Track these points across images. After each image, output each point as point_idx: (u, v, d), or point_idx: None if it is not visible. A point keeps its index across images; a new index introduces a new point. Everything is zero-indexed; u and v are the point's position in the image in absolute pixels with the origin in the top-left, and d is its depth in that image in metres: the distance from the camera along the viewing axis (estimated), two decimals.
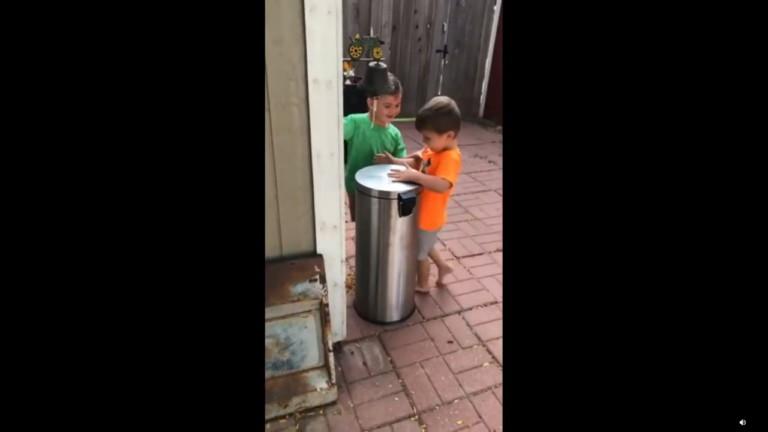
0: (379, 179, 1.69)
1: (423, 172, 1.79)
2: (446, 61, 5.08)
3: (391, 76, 1.78)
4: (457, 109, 1.71)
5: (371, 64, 1.66)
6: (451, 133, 1.70)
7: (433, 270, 2.17)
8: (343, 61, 1.32)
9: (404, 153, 2.00)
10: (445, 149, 1.74)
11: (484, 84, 5.40)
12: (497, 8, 5.00)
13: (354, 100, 2.63)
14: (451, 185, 1.70)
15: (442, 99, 1.72)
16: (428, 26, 4.83)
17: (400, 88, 1.83)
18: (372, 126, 1.87)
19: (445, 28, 4.92)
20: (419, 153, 1.91)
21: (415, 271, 1.93)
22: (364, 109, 1.91)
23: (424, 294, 2.10)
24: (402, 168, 1.76)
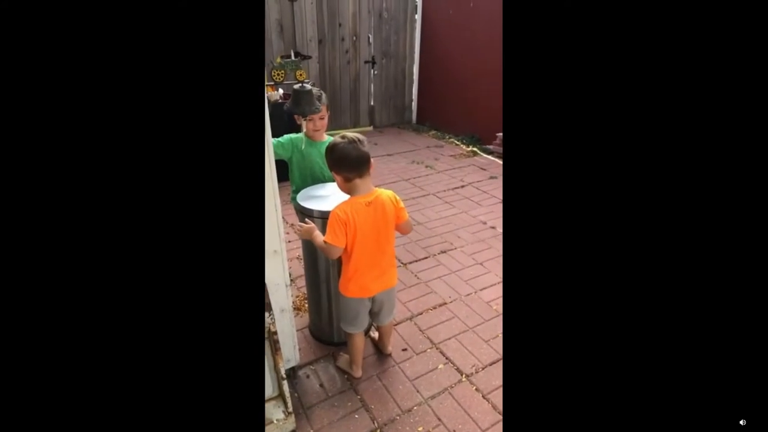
0: (321, 199, 1.69)
1: None
2: (375, 71, 5.18)
3: (313, 89, 1.76)
4: (356, 151, 1.37)
5: (296, 86, 1.66)
6: (338, 176, 1.42)
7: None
8: (267, 85, 1.31)
9: None
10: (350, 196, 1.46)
11: (414, 90, 5.58)
12: (418, 17, 5.21)
13: (286, 118, 2.61)
14: (330, 241, 1.41)
15: (343, 135, 1.43)
16: (354, 38, 4.91)
17: (324, 101, 1.81)
18: (307, 142, 1.86)
19: (371, 39, 5.03)
20: None
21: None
22: (294, 127, 1.90)
23: (355, 379, 1.68)
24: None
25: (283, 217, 1.51)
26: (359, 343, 1.67)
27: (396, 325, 1.99)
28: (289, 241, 2.62)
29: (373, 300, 1.59)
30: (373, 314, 1.66)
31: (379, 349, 1.84)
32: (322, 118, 1.84)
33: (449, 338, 1.91)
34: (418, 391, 1.64)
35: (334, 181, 1.87)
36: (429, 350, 1.85)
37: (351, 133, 1.44)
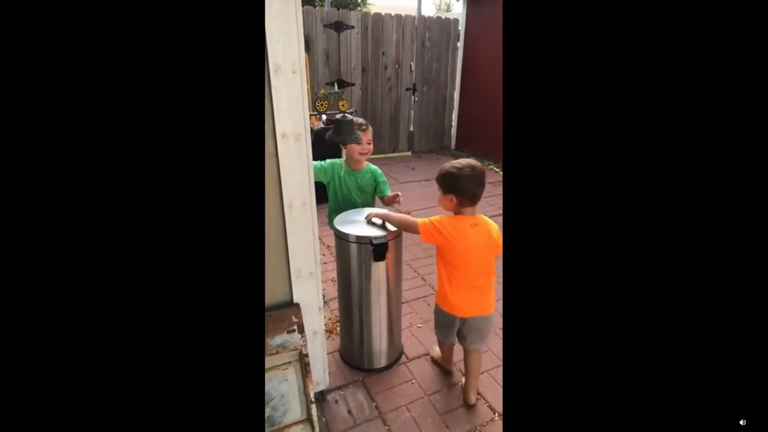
0: (357, 224, 1.71)
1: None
2: (416, 98, 5.28)
3: (358, 119, 1.85)
4: (475, 177, 1.48)
5: (338, 116, 1.73)
6: (453, 197, 1.50)
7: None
8: (310, 115, 1.37)
9: (387, 187, 2.01)
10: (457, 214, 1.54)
11: (454, 117, 5.62)
12: (461, 45, 5.29)
13: (327, 144, 2.70)
14: (421, 230, 1.53)
15: (462, 161, 1.54)
16: (396, 66, 5.05)
17: (369, 128, 1.89)
18: (346, 170, 1.92)
19: (413, 67, 5.15)
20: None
21: (400, 316, 1.92)
22: (336, 149, 1.97)
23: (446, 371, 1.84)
24: (382, 211, 1.73)
25: (319, 238, 1.55)
26: (443, 351, 1.80)
27: (427, 355, 1.95)
28: (324, 263, 2.67)
29: (463, 322, 1.60)
30: (461, 336, 1.65)
31: (464, 398, 1.70)
32: (369, 143, 1.90)
33: (481, 373, 1.84)
34: (447, 427, 1.58)
35: (366, 206, 1.93)
36: (460, 384, 1.79)
37: (465, 161, 1.54)
